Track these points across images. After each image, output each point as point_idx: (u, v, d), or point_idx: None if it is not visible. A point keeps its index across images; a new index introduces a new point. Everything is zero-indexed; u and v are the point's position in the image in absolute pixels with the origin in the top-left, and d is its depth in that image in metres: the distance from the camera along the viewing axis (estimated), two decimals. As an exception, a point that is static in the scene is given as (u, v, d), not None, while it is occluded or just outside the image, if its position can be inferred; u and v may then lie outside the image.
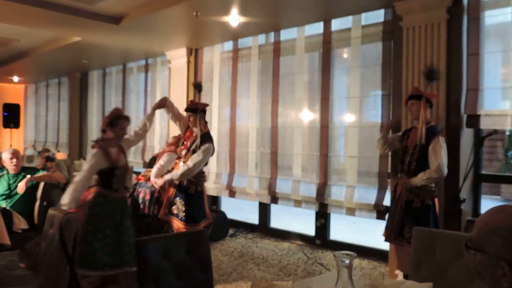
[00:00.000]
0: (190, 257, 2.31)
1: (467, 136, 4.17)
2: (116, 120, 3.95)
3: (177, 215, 4.42)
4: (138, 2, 5.17)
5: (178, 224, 4.39)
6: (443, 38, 4.07)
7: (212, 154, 4.42)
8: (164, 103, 4.49)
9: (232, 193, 6.36)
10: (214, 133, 6.56)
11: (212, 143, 4.37)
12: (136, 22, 5.50)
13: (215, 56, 6.73)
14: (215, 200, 6.96)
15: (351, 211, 5.06)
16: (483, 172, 4.42)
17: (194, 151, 4.32)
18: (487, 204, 4.11)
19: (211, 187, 6.41)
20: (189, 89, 6.95)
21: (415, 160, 3.68)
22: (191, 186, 4.40)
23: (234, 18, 5.17)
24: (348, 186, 5.09)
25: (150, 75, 8.02)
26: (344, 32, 5.19)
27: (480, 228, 1.19)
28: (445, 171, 3.58)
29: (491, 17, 4.01)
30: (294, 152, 5.65)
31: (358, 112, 5.08)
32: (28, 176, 4.69)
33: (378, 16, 4.86)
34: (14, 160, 4.69)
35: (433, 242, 2.39)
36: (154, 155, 5.76)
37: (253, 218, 6.69)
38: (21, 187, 4.59)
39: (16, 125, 11.52)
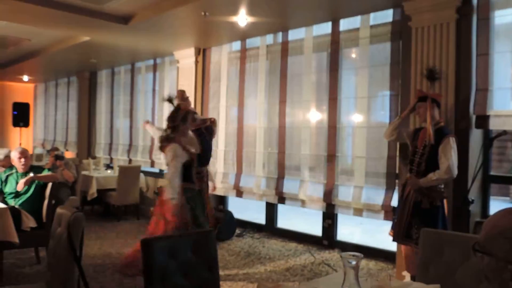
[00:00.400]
0: (197, 256, 2.32)
1: (476, 137, 4.13)
2: (187, 115, 4.06)
3: None
4: (147, 2, 5.19)
5: None
6: (452, 38, 4.04)
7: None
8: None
9: (239, 193, 6.37)
10: (221, 133, 6.60)
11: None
12: (145, 22, 5.52)
13: (223, 56, 6.74)
14: (222, 200, 6.98)
15: (358, 212, 5.05)
16: (492, 173, 4.39)
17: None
18: (496, 205, 4.08)
19: (218, 186, 6.42)
20: (197, 89, 6.97)
21: (425, 160, 3.66)
22: None
23: (242, 18, 5.17)
24: (355, 187, 5.07)
25: (158, 74, 8.05)
26: (353, 32, 5.17)
27: (487, 231, 1.18)
28: (455, 172, 3.56)
29: (501, 17, 3.97)
30: (301, 152, 5.63)
31: (366, 113, 5.06)
32: (31, 174, 4.71)
33: (386, 16, 4.84)
34: (23, 159, 4.73)
35: (441, 244, 2.37)
36: None
37: (260, 218, 6.70)
38: (20, 184, 4.61)
39: (26, 124, 11.63)
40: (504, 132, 3.72)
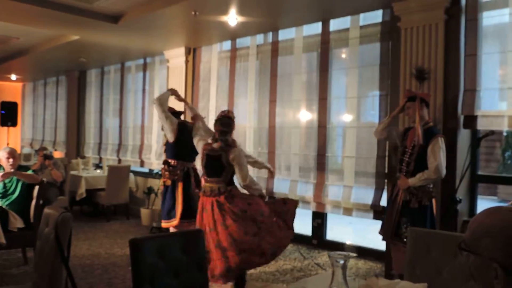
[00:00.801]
0: (186, 256, 2.31)
1: (464, 137, 4.17)
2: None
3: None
4: (137, 1, 5.16)
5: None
6: (441, 38, 4.07)
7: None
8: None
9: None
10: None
11: None
12: (135, 21, 5.49)
13: (213, 56, 6.72)
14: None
15: (348, 211, 5.07)
16: (480, 172, 4.43)
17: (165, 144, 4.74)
18: (483, 204, 4.12)
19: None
20: (187, 88, 6.95)
21: (414, 160, 3.68)
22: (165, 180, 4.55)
23: (233, 17, 5.17)
24: (345, 186, 5.09)
25: (149, 74, 8.01)
26: (342, 33, 5.19)
27: (473, 230, 1.19)
28: (444, 172, 3.59)
29: (489, 18, 4.01)
30: (291, 152, 5.64)
31: (356, 113, 5.08)
32: (11, 170, 4.66)
33: (376, 16, 4.87)
34: (11, 159, 4.68)
35: (428, 243, 2.39)
36: None
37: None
38: None
39: (14, 123, 11.51)
40: (492, 132, 3.76)
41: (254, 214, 3.82)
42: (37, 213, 4.48)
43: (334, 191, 5.21)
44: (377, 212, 4.78)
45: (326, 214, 5.54)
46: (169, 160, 4.65)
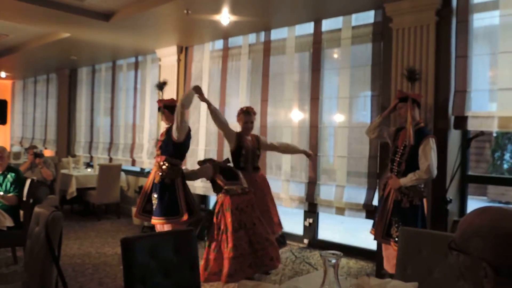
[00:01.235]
0: (178, 256, 2.30)
1: (454, 138, 4.21)
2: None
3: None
4: (128, -1, 5.14)
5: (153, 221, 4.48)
6: (432, 40, 4.10)
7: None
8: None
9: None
10: (202, 132, 6.57)
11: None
12: (127, 19, 5.46)
13: (205, 55, 6.71)
14: (203, 199, 6.95)
15: (340, 211, 5.09)
16: (470, 173, 4.47)
17: (163, 141, 4.58)
18: (473, 204, 4.15)
19: (198, 186, 6.40)
20: (178, 87, 6.93)
21: (405, 160, 3.70)
22: (156, 175, 4.48)
23: (225, 16, 5.16)
24: (337, 186, 5.11)
25: (140, 72, 7.98)
26: (335, 33, 5.21)
27: (463, 229, 1.20)
28: (435, 172, 3.61)
29: (479, 20, 4.05)
30: (283, 151, 5.64)
31: (348, 113, 5.10)
32: (8, 176, 4.64)
33: (368, 17, 4.89)
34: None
35: (419, 242, 2.41)
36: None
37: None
38: None
39: (3, 122, 11.41)
40: (482, 133, 3.79)
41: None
42: (27, 212, 4.44)
43: (326, 191, 5.23)
44: (370, 211, 4.81)
45: (317, 213, 5.56)
46: (171, 159, 4.57)
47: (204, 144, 6.64)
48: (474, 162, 10.52)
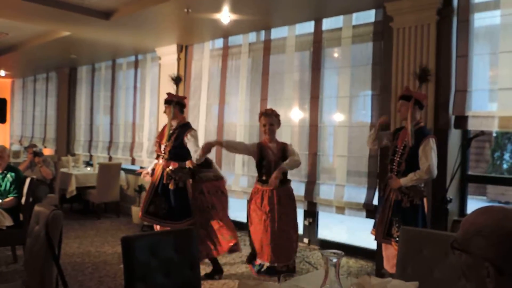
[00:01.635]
0: (178, 254, 2.30)
1: (454, 137, 4.20)
2: None
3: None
4: (129, -2, 5.13)
5: (160, 225, 4.46)
6: (433, 39, 4.10)
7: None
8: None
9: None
10: (201, 131, 6.57)
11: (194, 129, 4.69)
12: (127, 17, 5.45)
13: (205, 53, 6.70)
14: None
15: (340, 210, 5.08)
16: (470, 172, 4.47)
17: (169, 139, 4.56)
18: (473, 204, 4.15)
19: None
20: (178, 86, 6.91)
21: (405, 160, 3.69)
22: (170, 182, 4.43)
23: (225, 15, 5.15)
24: (337, 185, 5.11)
25: (140, 71, 7.97)
26: (335, 32, 5.20)
27: (465, 229, 1.20)
28: (435, 172, 3.60)
29: (480, 20, 4.04)
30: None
31: (348, 112, 5.10)
32: (8, 175, 4.64)
33: (369, 16, 4.88)
34: None
35: (419, 242, 2.41)
36: None
37: (242, 216, 6.68)
38: None
39: (3, 120, 11.38)
40: (482, 133, 3.78)
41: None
42: (27, 211, 4.43)
43: (326, 190, 5.22)
44: (370, 211, 4.80)
45: (317, 213, 5.56)
46: (183, 163, 4.57)
47: (203, 142, 6.62)
48: (474, 162, 10.53)
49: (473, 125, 4.04)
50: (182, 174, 4.49)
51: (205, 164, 4.66)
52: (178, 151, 4.51)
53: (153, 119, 7.47)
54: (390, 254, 3.81)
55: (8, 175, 4.66)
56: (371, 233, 3.93)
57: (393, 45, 4.36)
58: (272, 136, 4.27)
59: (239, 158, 6.10)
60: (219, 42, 6.51)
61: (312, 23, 5.38)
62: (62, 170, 7.67)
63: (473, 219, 1.19)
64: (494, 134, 10.65)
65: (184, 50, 6.93)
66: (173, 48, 6.89)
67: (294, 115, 5.60)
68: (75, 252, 5.30)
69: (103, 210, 7.62)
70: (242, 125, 6.11)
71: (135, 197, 7.46)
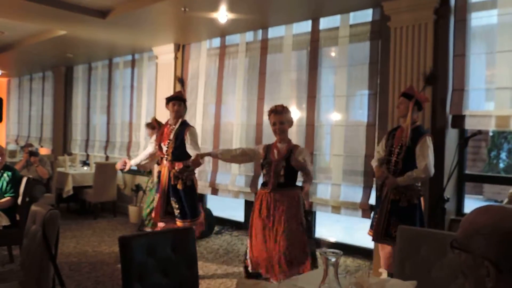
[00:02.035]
0: (176, 254, 2.30)
1: (452, 136, 4.21)
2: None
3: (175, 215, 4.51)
4: (125, -3, 5.11)
5: (178, 224, 4.47)
6: (430, 38, 4.10)
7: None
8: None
9: (214, 191, 6.34)
10: (198, 130, 6.54)
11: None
12: (123, 16, 5.43)
13: (202, 53, 6.69)
14: (200, 197, 6.93)
15: (336, 210, 5.08)
16: (467, 172, 4.48)
17: (175, 148, 4.50)
18: (470, 203, 4.17)
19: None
20: (175, 85, 6.91)
21: (401, 159, 3.69)
22: (177, 182, 4.45)
23: (223, 14, 5.14)
24: (333, 185, 5.11)
25: (137, 70, 7.94)
26: (332, 31, 5.20)
27: (465, 228, 1.20)
28: (432, 171, 3.61)
29: (477, 19, 4.05)
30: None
31: (345, 111, 5.10)
32: (5, 174, 4.61)
33: (366, 15, 4.88)
34: None
35: (417, 241, 2.41)
36: None
37: (239, 215, 6.69)
38: None
39: (-1, 119, 11.33)
40: (479, 132, 3.79)
41: None
42: (23, 210, 4.41)
43: (322, 190, 5.22)
44: (365, 210, 4.80)
45: (314, 212, 5.56)
46: (187, 162, 4.58)
47: (200, 142, 6.60)
48: (470, 161, 10.56)
49: (470, 124, 4.05)
50: (188, 173, 4.51)
51: None
52: (180, 151, 4.51)
53: (150, 118, 7.44)
54: (387, 253, 3.81)
55: (5, 175, 4.63)
56: (368, 233, 3.93)
57: (391, 44, 4.36)
58: (283, 136, 3.82)
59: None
60: (216, 41, 6.50)
61: (309, 22, 5.37)
62: (59, 169, 7.64)
63: (473, 219, 1.19)
64: (491, 134, 10.69)
65: (181, 49, 6.91)
66: (170, 47, 6.88)
67: (292, 114, 5.58)
68: (72, 252, 5.29)
69: (100, 209, 7.59)
70: (239, 124, 6.10)
71: (132, 197, 7.44)
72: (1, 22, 6.22)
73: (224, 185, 6.21)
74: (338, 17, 5.11)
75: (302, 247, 3.67)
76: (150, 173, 6.84)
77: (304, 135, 5.38)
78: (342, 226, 7.69)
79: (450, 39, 4.13)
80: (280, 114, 3.81)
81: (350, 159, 4.97)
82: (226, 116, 6.35)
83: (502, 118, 3.87)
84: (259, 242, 3.76)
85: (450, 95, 4.13)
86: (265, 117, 5.77)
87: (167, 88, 6.89)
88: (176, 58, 6.91)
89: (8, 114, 12.23)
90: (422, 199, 3.73)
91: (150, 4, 4.94)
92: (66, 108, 9.77)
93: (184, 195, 4.48)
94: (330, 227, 7.29)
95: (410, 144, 3.64)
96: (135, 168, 6.64)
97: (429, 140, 3.63)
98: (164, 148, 4.55)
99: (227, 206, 7.56)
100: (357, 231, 5.64)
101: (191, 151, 4.46)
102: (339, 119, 5.16)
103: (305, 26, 5.43)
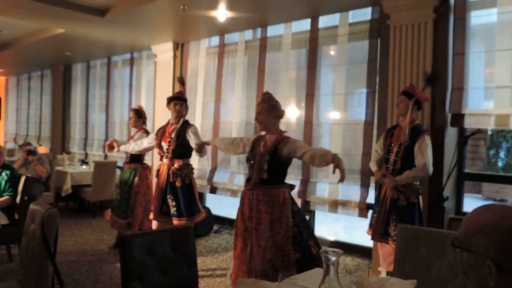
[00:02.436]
0: (175, 253, 2.29)
1: (451, 135, 4.21)
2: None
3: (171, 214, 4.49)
4: (124, -5, 5.10)
5: (174, 223, 4.46)
6: (430, 37, 4.10)
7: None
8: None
9: (213, 189, 6.34)
10: (197, 128, 6.55)
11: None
12: (122, 14, 5.42)
13: (201, 51, 6.68)
14: (199, 196, 6.92)
15: (334, 208, 5.08)
16: (466, 170, 4.48)
17: (177, 145, 4.49)
18: (469, 202, 4.17)
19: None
20: (174, 84, 6.89)
21: (400, 158, 3.69)
22: (176, 179, 4.45)
23: (222, 12, 5.13)
24: (331, 183, 5.10)
25: (135, 69, 7.93)
26: (331, 30, 5.19)
27: (466, 227, 1.19)
28: (431, 169, 3.61)
29: (477, 18, 4.05)
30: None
31: (343, 109, 5.10)
32: (3, 173, 4.60)
33: (365, 14, 4.88)
34: None
35: (416, 239, 2.40)
36: None
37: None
38: None
39: (-3, 118, 11.33)
40: (478, 131, 3.79)
41: None
42: (22, 209, 4.40)
43: (320, 188, 5.21)
44: (362, 209, 4.80)
45: (314, 211, 5.56)
46: (187, 160, 4.62)
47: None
48: (470, 160, 10.57)
49: (469, 123, 4.04)
50: (188, 171, 4.53)
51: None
52: (181, 149, 4.54)
53: (149, 117, 7.42)
54: (386, 252, 3.81)
55: (3, 173, 4.62)
56: (367, 232, 3.92)
57: (390, 43, 4.36)
58: (263, 127, 3.47)
59: (234, 155, 6.10)
60: (215, 40, 6.49)
61: (309, 20, 5.36)
62: (57, 168, 7.62)
63: (475, 217, 1.18)
64: (489, 132, 10.69)
65: (180, 47, 6.90)
66: (169, 45, 6.86)
67: (289, 113, 5.59)
68: (71, 251, 5.28)
69: (99, 208, 7.57)
70: (238, 122, 6.09)
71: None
72: (-1, 20, 6.21)
73: (223, 183, 6.20)
74: (337, 15, 5.11)
75: (286, 257, 3.20)
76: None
77: (302, 133, 5.38)
78: (342, 225, 7.69)
79: (449, 37, 4.12)
80: (258, 105, 3.50)
81: (348, 157, 4.96)
82: (225, 115, 6.35)
83: (501, 117, 3.86)
84: (238, 250, 3.37)
85: (449, 93, 4.13)
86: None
87: (166, 87, 6.88)
88: (175, 56, 6.90)
89: (7, 112, 12.22)
90: (421, 198, 3.73)
91: (149, 2, 4.92)
92: (65, 106, 9.75)
93: (182, 193, 4.49)
94: (329, 226, 7.29)
95: (409, 142, 3.64)
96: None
97: (427, 139, 3.63)
98: (165, 146, 4.57)
99: (226, 205, 7.55)
100: (357, 230, 5.64)
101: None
102: (338, 118, 5.15)
103: (304, 25, 5.42)
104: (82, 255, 5.14)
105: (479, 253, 1.13)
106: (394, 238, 3.41)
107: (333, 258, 1.65)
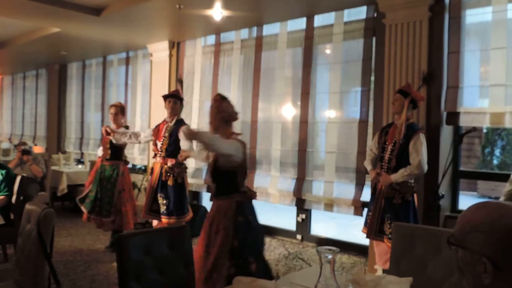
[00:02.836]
0: (172, 252, 2.29)
1: (446, 133, 4.22)
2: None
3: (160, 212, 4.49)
4: (119, -6, 5.08)
5: (163, 221, 4.46)
6: (425, 35, 4.11)
7: None
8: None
9: (210, 188, 6.33)
10: (193, 127, 6.54)
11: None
12: (118, 13, 5.40)
13: (197, 50, 6.67)
14: (196, 195, 6.92)
15: (329, 207, 5.09)
16: (462, 168, 4.50)
17: (170, 144, 4.54)
18: (464, 200, 4.19)
19: (190, 182, 6.37)
20: (170, 83, 6.88)
21: (395, 156, 3.70)
22: (168, 178, 4.46)
23: (217, 11, 5.13)
24: (326, 182, 5.11)
25: (131, 68, 7.91)
26: (327, 28, 5.20)
27: (462, 224, 1.20)
28: (426, 167, 3.63)
29: (472, 16, 4.06)
30: (273, 147, 5.64)
31: (338, 108, 5.11)
32: None
33: (360, 12, 4.89)
34: None
35: (412, 238, 2.41)
36: None
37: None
38: None
39: (-8, 118, 11.28)
40: (474, 129, 3.81)
41: None
42: (18, 209, 4.38)
43: (315, 186, 5.23)
44: (358, 208, 4.81)
45: (310, 209, 5.57)
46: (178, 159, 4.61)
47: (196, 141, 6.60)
48: (465, 158, 10.60)
49: (464, 121, 4.06)
50: (180, 170, 4.53)
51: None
52: (174, 148, 4.56)
53: (145, 116, 7.43)
54: (382, 250, 3.82)
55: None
56: (362, 231, 3.94)
57: (385, 42, 4.36)
58: (214, 132, 3.28)
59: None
60: (211, 39, 6.48)
61: (304, 19, 5.37)
62: (53, 168, 7.59)
63: (470, 215, 1.19)
64: (485, 130, 10.73)
65: (176, 46, 6.89)
66: (164, 44, 6.85)
67: (285, 111, 5.60)
68: (67, 250, 5.26)
69: (95, 208, 7.55)
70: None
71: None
72: (-6, 20, 6.18)
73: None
74: (332, 14, 5.11)
75: (216, 271, 2.93)
76: (145, 171, 6.81)
77: (297, 132, 5.38)
78: (338, 223, 7.71)
79: (444, 36, 4.14)
80: (210, 107, 3.38)
81: (343, 156, 4.98)
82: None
83: (496, 115, 3.88)
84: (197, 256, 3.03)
85: (444, 92, 4.14)
86: (260, 114, 5.78)
87: (162, 86, 6.87)
88: (171, 55, 6.88)
89: (1, 112, 12.16)
90: (415, 196, 3.74)
91: (145, 1, 4.91)
92: (60, 106, 9.71)
93: (173, 192, 4.50)
94: (325, 224, 7.30)
95: (403, 141, 3.65)
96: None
97: (422, 137, 3.65)
98: (159, 145, 4.58)
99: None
100: (353, 228, 5.65)
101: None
102: (333, 116, 5.17)
103: (300, 24, 5.43)
104: (78, 255, 5.13)
105: (475, 250, 1.14)
106: (389, 236, 3.43)
107: (329, 256, 1.66)
